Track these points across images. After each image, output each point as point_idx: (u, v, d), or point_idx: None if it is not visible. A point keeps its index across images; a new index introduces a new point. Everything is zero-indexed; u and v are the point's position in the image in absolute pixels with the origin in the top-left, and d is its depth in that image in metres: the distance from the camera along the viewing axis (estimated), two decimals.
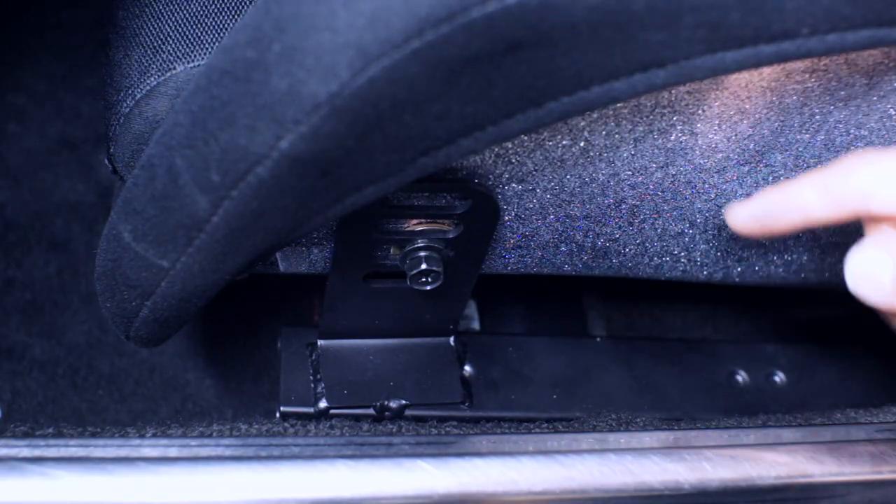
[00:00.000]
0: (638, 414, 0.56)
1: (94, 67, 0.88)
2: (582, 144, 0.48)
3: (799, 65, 0.47)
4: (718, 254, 0.57)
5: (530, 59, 0.38)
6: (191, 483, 0.41)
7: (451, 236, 0.51)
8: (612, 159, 0.50)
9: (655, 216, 0.54)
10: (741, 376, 0.63)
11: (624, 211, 0.53)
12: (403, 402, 0.57)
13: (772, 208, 0.47)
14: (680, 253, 0.57)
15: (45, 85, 0.87)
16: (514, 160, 0.48)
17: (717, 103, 0.48)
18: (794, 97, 0.49)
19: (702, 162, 0.51)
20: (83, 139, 0.84)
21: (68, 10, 0.90)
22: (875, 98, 0.50)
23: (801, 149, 0.52)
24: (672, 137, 0.49)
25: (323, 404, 0.56)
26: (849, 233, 0.57)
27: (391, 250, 0.52)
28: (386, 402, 0.57)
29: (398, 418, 0.57)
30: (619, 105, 0.47)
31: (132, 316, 0.49)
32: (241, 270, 0.46)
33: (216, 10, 0.50)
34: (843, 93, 0.49)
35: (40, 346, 0.73)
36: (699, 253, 0.57)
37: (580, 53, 0.38)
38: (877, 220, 0.44)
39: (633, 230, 0.54)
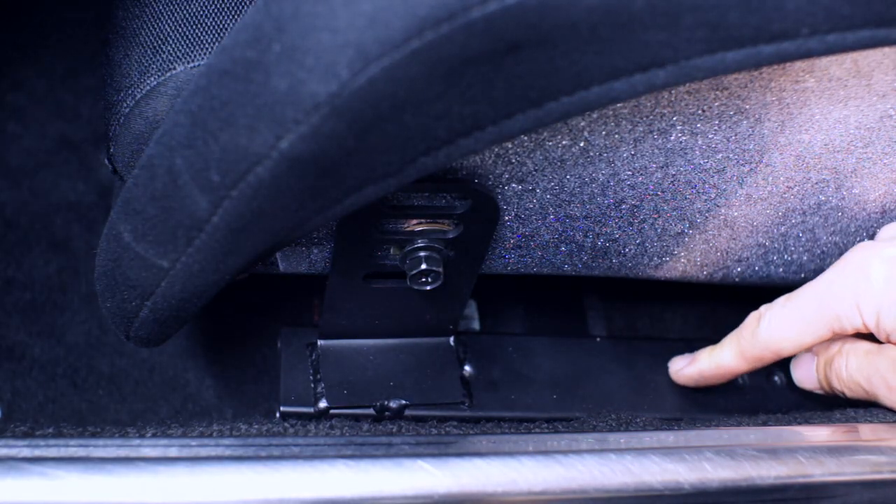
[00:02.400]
0: (638, 414, 0.56)
1: (94, 67, 0.87)
2: (582, 144, 0.48)
3: (799, 65, 0.47)
4: (718, 254, 0.57)
5: (530, 59, 0.38)
6: (191, 483, 0.41)
7: (451, 236, 0.51)
8: (612, 159, 0.50)
9: (655, 216, 0.54)
10: (741, 376, 0.63)
11: (624, 211, 0.53)
12: (403, 402, 0.57)
13: (706, 373, 0.59)
14: (680, 253, 0.57)
15: (45, 85, 0.87)
16: (514, 160, 0.48)
17: (717, 103, 0.48)
18: (794, 97, 0.49)
19: (702, 162, 0.51)
20: (83, 139, 0.84)
21: (68, 9, 0.90)
22: (875, 98, 0.50)
23: (801, 149, 0.52)
24: (672, 137, 0.49)
25: (323, 404, 0.56)
26: (849, 233, 0.57)
27: (391, 250, 0.52)
28: (386, 402, 0.57)
29: (398, 418, 0.57)
30: (619, 105, 0.47)
31: (132, 316, 0.49)
32: (241, 270, 0.46)
33: (216, 10, 0.50)
34: (842, 93, 0.49)
35: (40, 346, 0.73)
36: (699, 253, 0.57)
37: (580, 53, 0.38)
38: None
39: (633, 230, 0.54)
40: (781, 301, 0.54)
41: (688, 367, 0.60)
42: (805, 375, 0.58)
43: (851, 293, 0.51)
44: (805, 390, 0.61)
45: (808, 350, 0.57)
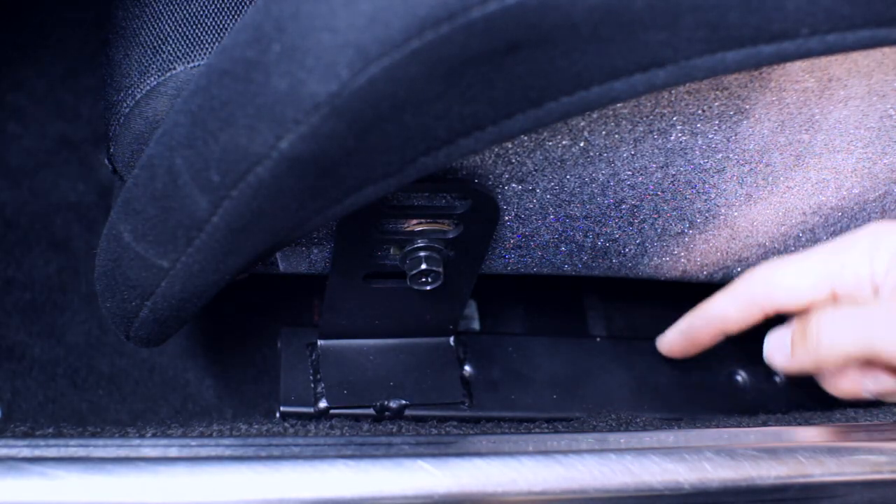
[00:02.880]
0: (638, 414, 0.56)
1: (94, 67, 0.87)
2: (582, 144, 0.48)
3: (799, 65, 0.47)
4: (718, 254, 0.57)
5: (530, 59, 0.38)
6: (191, 483, 0.41)
7: (451, 236, 0.51)
8: (612, 159, 0.50)
9: (655, 216, 0.54)
10: (741, 376, 0.63)
11: (624, 211, 0.53)
12: (403, 402, 0.57)
13: (695, 323, 0.56)
14: (680, 253, 0.57)
15: (45, 85, 0.87)
16: (514, 160, 0.48)
17: (717, 103, 0.48)
18: (794, 97, 0.49)
19: (702, 162, 0.51)
20: (83, 139, 0.84)
21: (68, 9, 0.90)
22: (875, 98, 0.50)
23: (801, 149, 0.52)
24: (672, 137, 0.49)
25: (323, 404, 0.56)
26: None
27: (391, 250, 0.52)
28: (386, 402, 0.57)
29: (398, 418, 0.57)
30: (619, 105, 0.47)
31: (132, 316, 0.49)
32: (241, 270, 0.46)
33: (216, 10, 0.50)
34: (842, 93, 0.49)
35: (40, 346, 0.73)
36: (699, 253, 0.57)
37: (580, 53, 0.38)
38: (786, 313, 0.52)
39: (633, 230, 0.54)
40: (789, 256, 0.52)
41: (676, 324, 0.58)
42: (776, 336, 0.53)
43: (868, 239, 0.50)
44: (804, 391, 0.61)
45: (801, 313, 0.52)
